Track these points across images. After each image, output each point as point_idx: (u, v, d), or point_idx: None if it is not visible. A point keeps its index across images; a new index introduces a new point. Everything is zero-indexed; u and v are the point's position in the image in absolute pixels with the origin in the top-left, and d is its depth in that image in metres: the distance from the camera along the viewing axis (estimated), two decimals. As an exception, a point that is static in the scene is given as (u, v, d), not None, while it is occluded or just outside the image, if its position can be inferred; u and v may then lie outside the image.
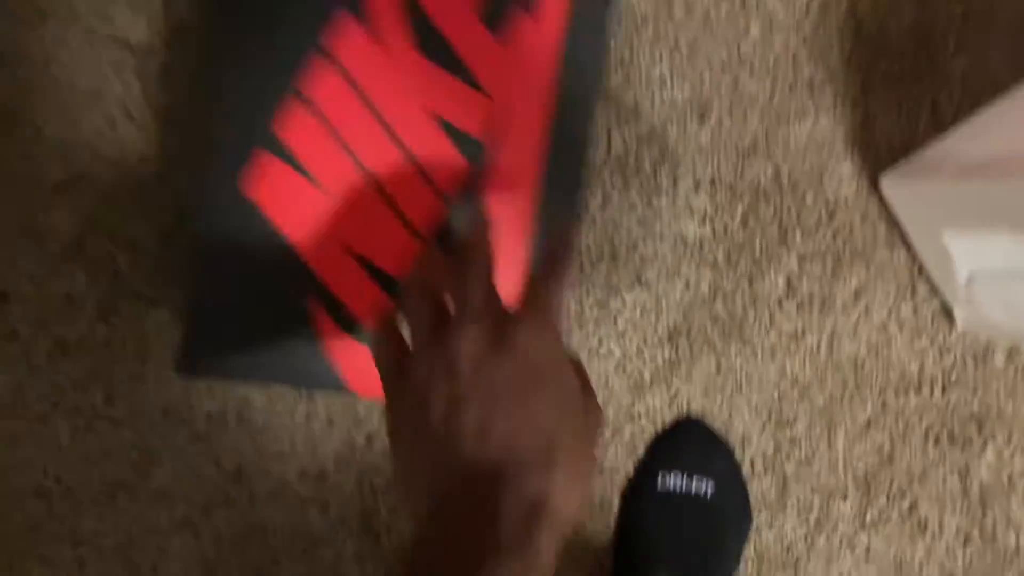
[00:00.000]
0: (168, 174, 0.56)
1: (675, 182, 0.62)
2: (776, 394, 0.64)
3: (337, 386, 0.52)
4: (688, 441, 0.63)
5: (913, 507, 0.66)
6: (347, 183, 0.48)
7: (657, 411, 0.63)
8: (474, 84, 0.49)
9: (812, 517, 0.65)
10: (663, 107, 0.61)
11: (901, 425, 0.66)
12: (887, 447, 0.66)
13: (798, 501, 0.65)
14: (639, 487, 0.62)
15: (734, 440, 0.64)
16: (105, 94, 0.55)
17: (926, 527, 0.66)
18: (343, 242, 0.49)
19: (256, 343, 0.49)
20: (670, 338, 0.63)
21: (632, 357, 0.62)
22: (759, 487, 0.64)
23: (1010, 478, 0.66)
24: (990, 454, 0.66)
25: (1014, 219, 0.49)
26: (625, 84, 0.60)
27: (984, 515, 0.67)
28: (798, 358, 0.64)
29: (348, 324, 0.50)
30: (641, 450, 0.63)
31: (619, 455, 0.63)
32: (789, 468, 0.65)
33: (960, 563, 0.67)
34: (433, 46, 0.48)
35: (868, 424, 0.65)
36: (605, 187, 0.61)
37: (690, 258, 0.62)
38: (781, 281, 0.63)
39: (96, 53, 0.55)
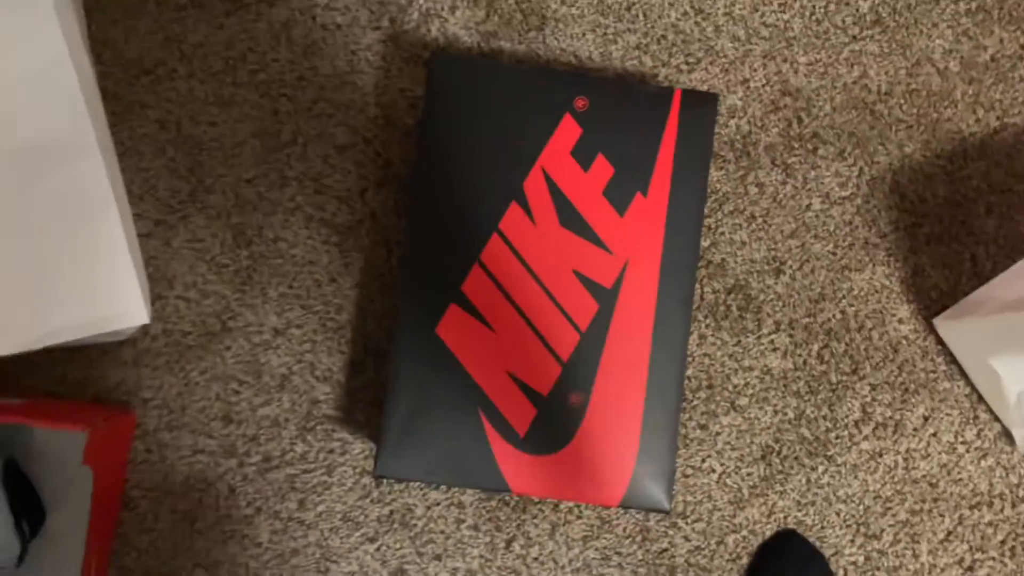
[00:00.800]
0: (357, 319, 0.72)
1: (759, 324, 0.75)
2: (862, 508, 0.73)
3: (501, 486, 0.64)
4: (789, 552, 0.72)
5: (1000, 618, 0.72)
6: (510, 324, 0.64)
7: (756, 522, 0.73)
8: (603, 247, 0.65)
9: (905, 624, 0.72)
10: (744, 264, 0.75)
11: (978, 537, 0.73)
12: (968, 558, 0.73)
13: (890, 608, 0.72)
14: None
15: (828, 550, 0.72)
16: (316, 262, 0.72)
17: (1015, 638, 0.72)
18: (505, 367, 0.63)
19: (438, 449, 0.63)
20: (763, 456, 0.73)
21: (731, 473, 0.73)
22: (853, 594, 0.72)
23: (1089, 590, 0.72)
24: (1067, 567, 0.73)
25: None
26: (713, 247, 0.75)
27: (1070, 627, 0.73)
28: (878, 475, 0.74)
29: (508, 431, 0.64)
30: (745, 559, 0.72)
31: (722, 562, 0.72)
32: (879, 577, 0.72)
33: (1052, 674, 0.72)
34: (572, 220, 0.65)
35: (948, 536, 0.73)
36: (700, 328, 0.74)
37: (776, 387, 0.74)
38: (857, 407, 0.74)
39: (311, 233, 0.73)
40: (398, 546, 0.71)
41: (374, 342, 0.71)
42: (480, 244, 0.65)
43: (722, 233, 0.76)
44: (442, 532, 0.71)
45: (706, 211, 0.76)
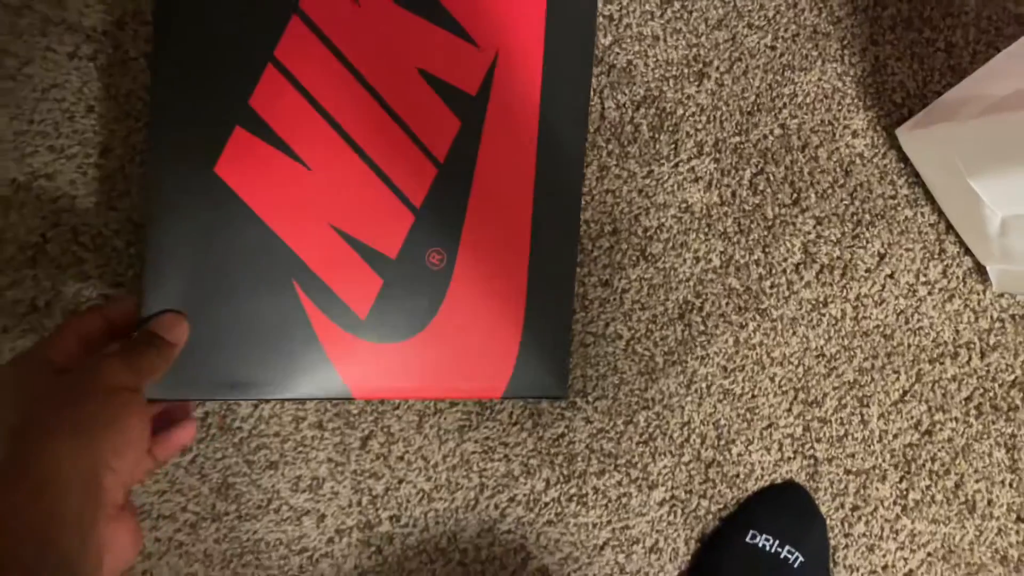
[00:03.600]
0: (132, 165, 0.52)
1: (676, 147, 0.57)
2: (801, 370, 0.59)
3: (337, 391, 0.47)
4: (789, 507, 0.59)
5: (959, 485, 0.61)
6: (331, 155, 0.44)
7: (673, 395, 0.58)
8: (462, 34, 0.45)
9: (848, 502, 0.60)
10: (657, 67, 0.57)
11: (939, 396, 0.61)
12: (925, 421, 0.61)
13: (831, 485, 0.60)
14: (727, 537, 0.58)
15: (760, 423, 0.59)
16: (62, 85, 0.52)
17: (975, 506, 0.61)
18: (329, 219, 0.45)
19: (231, 350, 0.45)
20: (681, 316, 0.58)
21: (641, 338, 0.58)
22: (788, 471, 0.59)
23: (1062, 447, 0.61)
24: (1038, 422, 0.61)
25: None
26: (616, 46, 0.56)
27: (1036, 490, 0.62)
28: (821, 329, 0.59)
29: (341, 312, 0.46)
30: (660, 440, 0.58)
31: (632, 445, 0.58)
32: (820, 450, 0.60)
33: (1014, 541, 0.61)
34: None
35: (902, 397, 0.60)
36: (601, 157, 0.57)
37: (698, 228, 0.58)
38: (798, 247, 0.59)
39: (50, 43, 0.51)
40: (219, 456, 0.55)
41: (159, 194, 0.52)
42: (275, 33, 0.44)
43: (628, 26, 0.57)
44: (276, 435, 0.55)
45: (606, -3, 0.56)
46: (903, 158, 0.59)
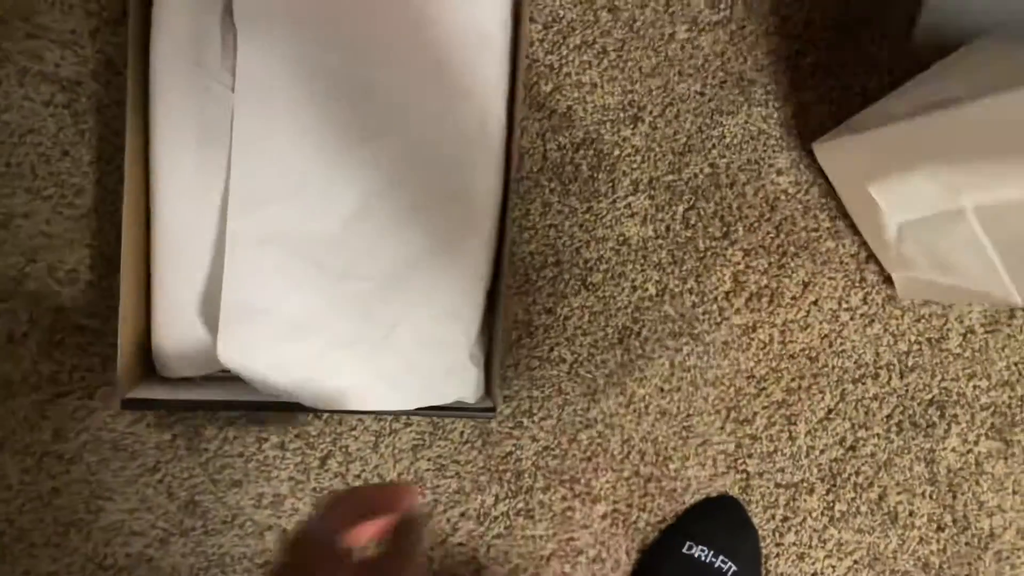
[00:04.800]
0: (104, 205, 0.56)
1: (613, 185, 0.62)
2: (732, 390, 0.64)
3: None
4: (723, 519, 0.63)
5: (882, 497, 0.65)
6: None
7: (613, 414, 0.63)
8: None
9: (779, 514, 0.64)
10: (595, 112, 0.62)
11: (862, 414, 0.65)
12: (849, 437, 0.65)
13: (763, 498, 0.64)
14: (665, 548, 0.62)
15: (695, 440, 0.63)
16: (39, 131, 0.56)
17: (897, 516, 0.66)
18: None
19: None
20: (620, 340, 0.63)
21: (584, 361, 0.62)
22: (722, 485, 0.64)
23: (977, 461, 0.65)
24: (954, 438, 0.65)
25: (929, 152, 0.49)
26: (557, 93, 0.61)
27: (955, 500, 0.66)
28: (751, 352, 0.64)
29: None
30: (601, 457, 0.62)
31: (575, 462, 0.62)
32: (751, 465, 0.64)
33: (935, 549, 0.66)
34: None
35: (828, 415, 0.65)
36: (544, 194, 0.61)
37: (634, 260, 0.62)
38: (728, 277, 0.63)
39: (28, 92, 0.55)
40: (186, 475, 0.59)
41: (130, 231, 0.56)
42: None
43: (567, 74, 0.61)
44: (240, 455, 0.59)
45: (548, 46, 0.61)
46: (825, 193, 0.64)
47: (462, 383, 0.57)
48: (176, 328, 0.50)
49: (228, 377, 0.52)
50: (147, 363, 0.53)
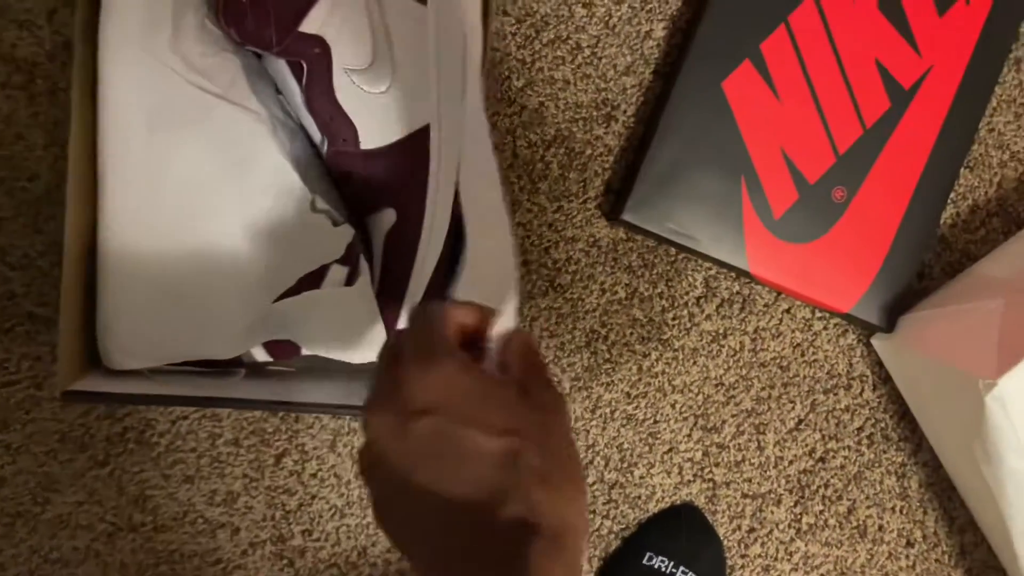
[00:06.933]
0: (58, 191, 0.55)
1: (584, 185, 0.61)
2: (701, 398, 0.62)
3: (740, 264, 0.59)
4: (683, 529, 0.62)
5: (851, 510, 0.64)
6: (798, 98, 0.59)
7: (579, 419, 0.61)
8: (913, 44, 0.60)
9: (745, 524, 0.63)
10: (567, 110, 0.60)
11: (832, 425, 0.64)
12: (819, 449, 0.64)
13: (729, 508, 0.63)
14: (625, 559, 0.61)
15: (661, 447, 0.62)
16: (-8, 113, 0.54)
17: (866, 531, 0.64)
18: (780, 142, 0.59)
19: (690, 210, 0.59)
20: (588, 344, 0.61)
21: (550, 365, 0.61)
22: (688, 493, 0.62)
23: (948, 477, 0.64)
24: (926, 452, 0.64)
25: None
26: (529, 88, 0.60)
27: (925, 516, 0.65)
28: (721, 360, 0.63)
29: (764, 209, 0.59)
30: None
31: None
32: (718, 474, 0.63)
33: (904, 565, 0.65)
34: (891, 7, 0.60)
35: (798, 425, 0.64)
36: (513, 192, 0.60)
37: (604, 262, 0.61)
38: (699, 282, 0.62)
39: (-18, 72, 0.54)
40: (137, 469, 0.57)
41: (84, 218, 0.55)
42: (792, 4, 0.59)
43: (540, 69, 0.60)
44: (193, 450, 0.58)
45: (521, 41, 0.60)
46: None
47: None
48: (121, 320, 0.49)
49: (176, 370, 0.50)
50: (94, 354, 0.51)
